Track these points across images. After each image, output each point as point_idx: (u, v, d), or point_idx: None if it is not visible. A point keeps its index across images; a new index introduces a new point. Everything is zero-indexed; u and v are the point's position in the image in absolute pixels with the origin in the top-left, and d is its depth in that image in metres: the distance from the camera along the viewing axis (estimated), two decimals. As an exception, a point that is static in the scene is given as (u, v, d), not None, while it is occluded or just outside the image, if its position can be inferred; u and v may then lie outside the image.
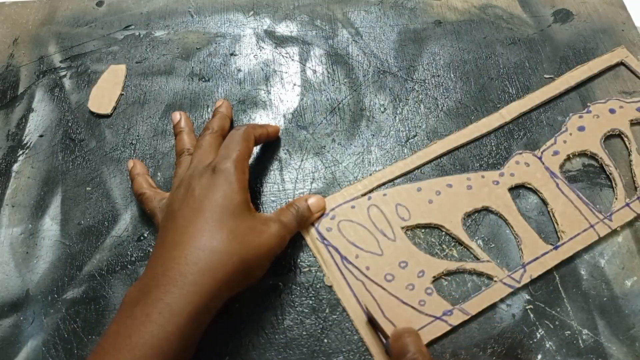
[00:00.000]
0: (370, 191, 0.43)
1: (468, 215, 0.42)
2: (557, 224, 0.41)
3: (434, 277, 0.39)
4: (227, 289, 0.33)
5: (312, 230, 0.41)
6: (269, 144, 0.46)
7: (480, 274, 0.39)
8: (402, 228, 0.41)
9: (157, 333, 0.29)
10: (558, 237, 0.40)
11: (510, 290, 0.38)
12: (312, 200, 0.41)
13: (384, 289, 0.38)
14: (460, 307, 0.38)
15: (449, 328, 0.37)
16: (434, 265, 0.39)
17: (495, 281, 0.39)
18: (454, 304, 0.38)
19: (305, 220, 0.40)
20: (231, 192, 0.35)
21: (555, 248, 0.40)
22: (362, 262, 0.40)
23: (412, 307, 0.38)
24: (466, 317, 0.37)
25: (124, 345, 0.29)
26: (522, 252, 0.40)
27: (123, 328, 0.30)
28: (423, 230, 0.41)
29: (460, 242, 0.41)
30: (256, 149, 0.46)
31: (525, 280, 0.38)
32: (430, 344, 0.37)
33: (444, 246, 0.41)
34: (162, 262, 0.32)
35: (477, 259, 0.40)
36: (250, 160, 0.45)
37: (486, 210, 0.42)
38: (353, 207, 0.42)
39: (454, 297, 0.39)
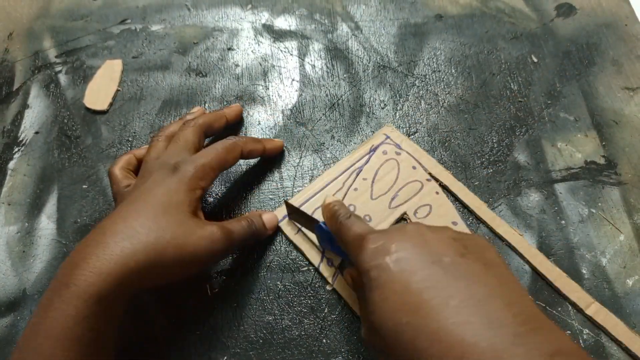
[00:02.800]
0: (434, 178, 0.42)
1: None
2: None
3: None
4: (137, 279, 0.31)
5: (381, 138, 0.44)
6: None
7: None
8: (404, 213, 0.41)
9: (58, 317, 0.28)
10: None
11: None
12: (268, 216, 0.40)
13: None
14: None
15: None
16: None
17: None
18: None
19: (258, 235, 0.39)
20: (175, 190, 0.34)
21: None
22: (360, 184, 0.41)
23: None
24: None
25: (36, 334, 0.28)
26: None
27: (35, 316, 0.29)
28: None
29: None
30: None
31: None
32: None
33: None
34: (84, 246, 0.31)
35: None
36: (249, 157, 0.45)
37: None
38: (414, 167, 0.42)
39: None
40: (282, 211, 0.41)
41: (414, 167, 0.42)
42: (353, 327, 0.37)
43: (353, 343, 0.37)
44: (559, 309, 0.38)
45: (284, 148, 0.45)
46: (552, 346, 0.23)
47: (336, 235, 0.33)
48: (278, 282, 0.39)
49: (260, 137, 0.45)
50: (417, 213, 0.40)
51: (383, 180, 0.42)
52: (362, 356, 0.36)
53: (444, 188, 0.42)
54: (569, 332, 0.37)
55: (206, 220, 0.35)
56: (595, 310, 0.37)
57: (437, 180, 0.42)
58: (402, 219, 0.40)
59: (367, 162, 0.43)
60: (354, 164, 0.43)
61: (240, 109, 0.46)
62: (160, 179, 0.35)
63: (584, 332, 0.37)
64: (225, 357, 0.36)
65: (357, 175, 0.42)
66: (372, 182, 0.41)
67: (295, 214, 0.39)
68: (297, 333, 0.37)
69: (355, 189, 0.41)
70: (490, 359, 0.22)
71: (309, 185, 0.42)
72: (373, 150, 0.43)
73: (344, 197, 0.41)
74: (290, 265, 0.40)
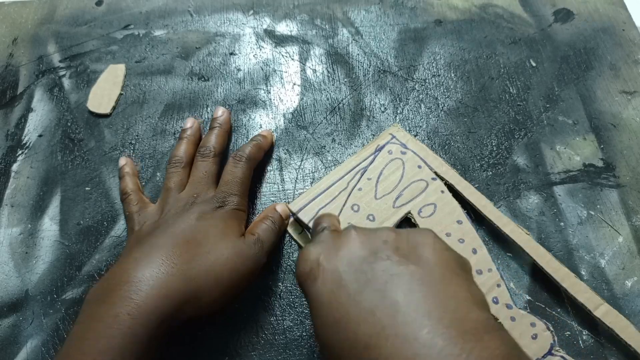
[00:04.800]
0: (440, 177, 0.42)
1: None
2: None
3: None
4: (177, 311, 0.30)
5: (387, 138, 0.44)
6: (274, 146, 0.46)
7: None
8: (409, 213, 0.40)
9: (125, 336, 0.28)
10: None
11: None
12: (281, 207, 0.40)
13: (343, 206, 0.40)
14: None
15: None
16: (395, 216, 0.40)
17: None
18: None
19: (281, 231, 0.40)
20: (225, 227, 0.36)
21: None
22: (364, 183, 0.41)
23: None
24: None
25: (91, 350, 0.27)
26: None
27: (89, 331, 0.29)
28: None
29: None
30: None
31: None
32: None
33: None
34: (127, 268, 0.32)
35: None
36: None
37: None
38: (419, 166, 0.42)
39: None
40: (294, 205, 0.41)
41: (419, 167, 0.42)
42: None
43: (354, 344, 0.37)
44: (559, 309, 0.38)
45: (286, 150, 0.46)
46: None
47: None
48: (279, 283, 0.39)
49: (254, 137, 0.44)
50: (422, 212, 0.40)
51: (388, 179, 0.42)
52: (363, 357, 0.36)
53: (450, 187, 0.42)
54: (568, 332, 0.37)
55: (248, 236, 0.36)
56: (604, 311, 0.36)
57: (442, 179, 0.42)
58: (407, 218, 0.41)
59: (372, 162, 0.43)
60: (360, 163, 0.42)
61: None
62: (209, 216, 0.36)
63: (584, 332, 0.37)
64: (227, 358, 0.37)
65: (362, 175, 0.42)
66: (377, 181, 0.41)
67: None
68: (298, 334, 0.37)
69: (360, 189, 0.41)
70: None
71: (315, 185, 0.42)
72: (378, 150, 0.43)
73: (348, 197, 0.41)
74: (291, 266, 0.40)
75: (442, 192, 0.41)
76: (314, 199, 0.40)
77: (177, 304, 0.30)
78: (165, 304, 0.29)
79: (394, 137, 0.44)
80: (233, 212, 0.37)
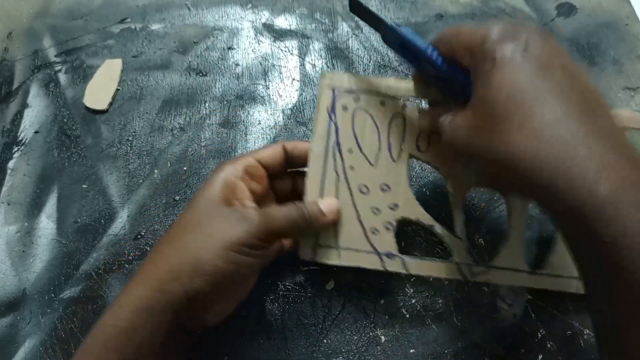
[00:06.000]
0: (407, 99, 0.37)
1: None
2: (552, 254, 0.36)
3: (402, 217, 0.36)
4: (172, 279, 0.29)
5: (329, 95, 0.36)
6: (272, 142, 0.46)
7: (444, 246, 0.37)
8: (410, 155, 0.36)
9: (105, 329, 0.29)
10: (544, 263, 0.36)
11: (459, 278, 0.35)
12: (327, 203, 0.35)
13: (351, 195, 0.36)
14: (404, 258, 0.35)
15: (380, 268, 0.35)
16: (411, 207, 0.36)
17: (452, 261, 0.36)
18: (401, 252, 0.36)
19: (312, 224, 0.34)
20: (204, 191, 0.33)
21: (530, 273, 0.35)
22: (351, 159, 0.36)
23: (363, 229, 0.35)
24: (402, 271, 0.35)
25: (91, 345, 0.29)
26: (498, 254, 0.36)
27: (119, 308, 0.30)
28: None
29: (451, 206, 0.37)
30: (255, 146, 0.45)
31: (480, 279, 0.35)
32: (430, 342, 0.37)
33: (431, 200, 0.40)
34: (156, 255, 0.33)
35: (452, 230, 0.37)
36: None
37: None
38: (382, 103, 0.36)
39: (406, 248, 0.38)
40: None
41: (382, 103, 0.37)
42: (353, 328, 0.37)
43: (353, 343, 0.37)
44: (560, 308, 0.38)
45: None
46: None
47: (443, 42, 0.30)
48: (278, 282, 0.39)
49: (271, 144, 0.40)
50: (420, 146, 0.36)
51: (367, 139, 0.36)
52: (363, 356, 0.36)
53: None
54: (569, 332, 0.37)
55: (245, 208, 0.33)
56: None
57: (410, 97, 0.37)
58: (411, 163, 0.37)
59: (336, 130, 0.36)
60: (327, 141, 0.36)
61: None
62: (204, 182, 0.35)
63: (585, 332, 0.37)
64: (226, 358, 0.36)
65: (339, 150, 0.36)
66: (360, 148, 0.36)
67: (359, 10, 0.34)
68: (297, 333, 0.37)
69: (352, 168, 0.36)
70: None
71: (306, 190, 0.36)
72: (332, 112, 0.37)
73: (348, 185, 0.36)
74: (290, 265, 0.40)
75: (420, 112, 0.36)
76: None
77: (152, 290, 0.30)
78: (138, 292, 0.30)
79: (333, 89, 0.37)
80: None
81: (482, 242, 0.40)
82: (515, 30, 0.27)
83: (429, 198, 0.40)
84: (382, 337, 0.37)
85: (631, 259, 0.22)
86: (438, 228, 0.36)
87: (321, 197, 0.36)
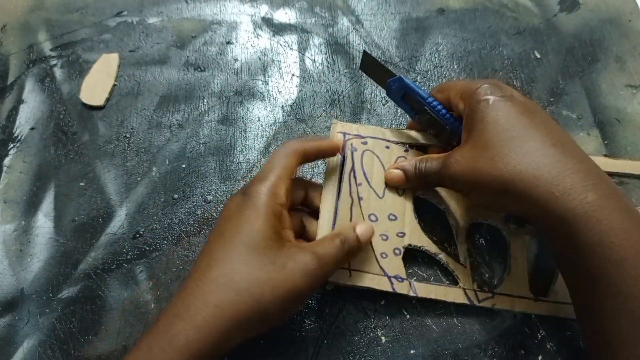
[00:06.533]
0: (410, 145, 0.41)
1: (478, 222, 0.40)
2: (555, 283, 0.38)
3: (409, 244, 0.38)
4: (238, 330, 0.29)
5: (340, 138, 0.40)
6: (272, 139, 0.45)
7: (449, 272, 0.39)
8: (414, 191, 0.40)
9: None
10: (549, 291, 0.38)
11: (466, 302, 0.37)
12: (362, 229, 0.34)
13: (363, 220, 0.38)
14: (412, 282, 0.37)
15: (390, 290, 0.37)
16: (417, 236, 0.38)
17: (459, 287, 0.38)
18: (410, 277, 0.38)
19: (352, 253, 0.34)
20: (256, 222, 0.31)
21: (535, 300, 0.37)
22: (361, 191, 0.39)
23: (374, 252, 0.37)
24: (410, 294, 0.37)
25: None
26: (502, 281, 0.38)
27: (131, 357, 0.29)
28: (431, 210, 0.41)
29: (455, 235, 0.40)
30: (255, 143, 0.45)
31: (485, 304, 0.37)
32: (430, 343, 0.37)
33: (438, 234, 0.40)
34: (184, 287, 0.30)
35: (457, 257, 0.39)
36: (247, 153, 0.44)
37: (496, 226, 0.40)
38: (387, 147, 0.40)
39: (414, 273, 0.39)
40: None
41: (387, 147, 0.41)
42: (354, 328, 0.37)
43: (354, 343, 0.37)
44: (560, 309, 0.38)
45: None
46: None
47: (441, 92, 0.37)
48: (278, 282, 0.39)
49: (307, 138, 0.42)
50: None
51: (374, 174, 0.40)
52: (363, 357, 0.36)
53: (418, 148, 0.41)
54: (568, 333, 0.37)
55: (296, 243, 0.33)
56: None
57: (412, 145, 0.41)
58: (416, 196, 0.40)
59: (352, 164, 0.40)
60: (343, 170, 0.39)
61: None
62: (235, 206, 0.33)
63: (585, 332, 0.37)
64: (226, 358, 0.36)
65: (354, 176, 0.39)
66: (368, 183, 0.40)
67: (369, 66, 0.40)
68: (298, 334, 0.37)
69: (362, 198, 0.39)
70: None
71: (322, 213, 0.37)
72: (343, 153, 0.40)
73: (361, 210, 0.38)
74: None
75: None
76: (333, 227, 0.38)
77: (214, 338, 0.29)
78: (197, 338, 0.29)
79: (344, 134, 0.41)
80: (265, 207, 0.33)
81: (487, 270, 0.39)
82: (501, 85, 0.34)
83: (435, 228, 0.40)
84: (383, 338, 0.37)
85: (616, 257, 0.27)
86: (443, 256, 0.38)
87: (332, 225, 0.37)
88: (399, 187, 0.39)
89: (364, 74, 0.42)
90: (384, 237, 0.38)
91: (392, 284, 0.37)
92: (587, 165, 0.29)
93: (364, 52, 0.39)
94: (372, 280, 0.37)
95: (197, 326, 0.28)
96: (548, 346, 0.36)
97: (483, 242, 0.40)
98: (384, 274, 0.37)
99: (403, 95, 0.38)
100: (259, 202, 0.32)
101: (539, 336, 0.37)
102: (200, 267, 0.31)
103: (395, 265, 0.37)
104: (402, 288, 0.37)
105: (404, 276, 0.37)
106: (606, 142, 0.44)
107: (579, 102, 0.46)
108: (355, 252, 0.34)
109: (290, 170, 0.34)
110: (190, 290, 0.30)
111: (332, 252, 0.32)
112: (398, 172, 0.38)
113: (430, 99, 0.37)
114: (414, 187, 0.39)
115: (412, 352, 0.37)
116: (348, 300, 0.38)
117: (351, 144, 0.40)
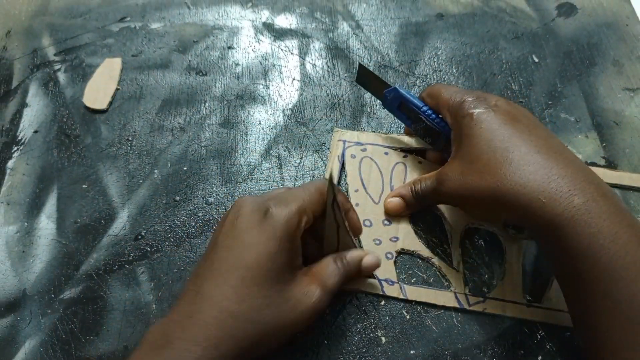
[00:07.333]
0: (408, 151, 0.43)
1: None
2: (549, 290, 0.38)
3: (402, 249, 0.39)
4: (249, 356, 0.29)
5: (340, 145, 0.42)
6: (273, 142, 0.46)
7: (442, 275, 0.39)
8: None
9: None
10: (543, 298, 0.38)
11: (457, 306, 0.37)
12: (368, 261, 0.35)
13: None
14: (402, 285, 0.38)
15: (379, 293, 0.38)
16: (410, 240, 0.40)
17: (450, 290, 0.38)
18: (400, 280, 0.39)
19: (349, 278, 0.34)
20: (274, 251, 0.30)
21: (528, 306, 0.37)
22: (357, 197, 0.41)
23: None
24: (400, 296, 0.38)
25: None
26: (495, 286, 0.38)
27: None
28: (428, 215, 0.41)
29: (449, 240, 0.40)
30: (256, 146, 0.45)
31: (476, 308, 0.37)
32: (430, 343, 0.37)
33: (433, 238, 0.40)
34: (190, 306, 0.29)
35: (450, 261, 0.39)
36: (248, 156, 0.45)
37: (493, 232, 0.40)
38: (386, 153, 0.42)
39: (405, 276, 0.39)
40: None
41: (386, 153, 0.42)
42: (354, 329, 0.37)
43: (354, 344, 0.37)
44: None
45: (285, 147, 0.45)
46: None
47: (432, 97, 0.38)
48: (279, 283, 0.39)
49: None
50: None
51: (371, 181, 0.41)
52: (363, 357, 0.36)
53: (417, 152, 0.43)
54: (568, 333, 0.37)
55: (305, 276, 0.32)
56: None
57: (411, 151, 0.43)
58: None
59: (346, 175, 0.41)
60: (340, 180, 0.41)
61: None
62: (253, 224, 0.31)
63: (584, 333, 0.37)
64: None
65: (347, 189, 0.41)
66: (365, 189, 0.41)
67: (365, 78, 0.41)
68: (298, 334, 0.37)
69: (357, 205, 0.40)
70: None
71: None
72: (341, 161, 0.42)
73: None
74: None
75: (420, 162, 0.42)
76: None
77: None
78: None
79: (344, 141, 0.43)
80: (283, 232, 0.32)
81: (481, 274, 0.39)
82: (485, 96, 0.34)
83: (428, 232, 0.41)
84: (383, 338, 0.37)
85: (605, 260, 0.27)
86: (436, 260, 0.39)
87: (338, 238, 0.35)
88: (400, 215, 0.40)
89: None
90: (377, 242, 0.39)
91: (382, 286, 0.38)
92: (574, 169, 0.30)
93: (360, 65, 0.41)
94: (362, 283, 0.38)
95: (212, 355, 0.28)
96: (547, 346, 0.37)
97: (481, 244, 0.40)
98: (375, 277, 0.38)
99: (399, 105, 0.40)
100: (279, 228, 0.30)
101: (539, 336, 0.37)
102: (198, 287, 0.30)
103: (386, 269, 0.38)
104: (392, 291, 0.38)
105: (395, 279, 0.38)
106: (604, 144, 0.45)
107: (577, 105, 0.47)
108: (351, 277, 0.35)
109: (317, 206, 0.33)
110: (194, 317, 0.29)
111: (336, 281, 0.33)
112: (396, 199, 0.39)
113: (425, 108, 0.38)
114: (415, 211, 0.40)
115: (412, 352, 0.37)
116: (348, 301, 0.38)
117: (352, 155, 0.42)
